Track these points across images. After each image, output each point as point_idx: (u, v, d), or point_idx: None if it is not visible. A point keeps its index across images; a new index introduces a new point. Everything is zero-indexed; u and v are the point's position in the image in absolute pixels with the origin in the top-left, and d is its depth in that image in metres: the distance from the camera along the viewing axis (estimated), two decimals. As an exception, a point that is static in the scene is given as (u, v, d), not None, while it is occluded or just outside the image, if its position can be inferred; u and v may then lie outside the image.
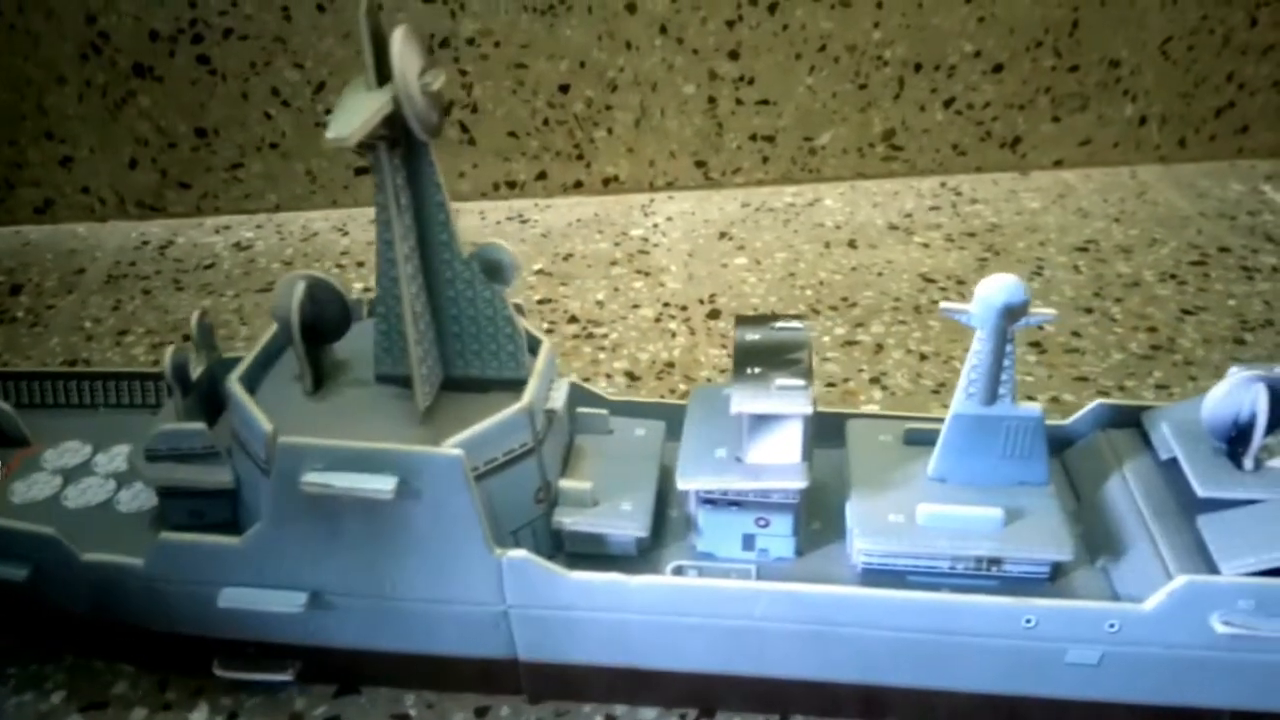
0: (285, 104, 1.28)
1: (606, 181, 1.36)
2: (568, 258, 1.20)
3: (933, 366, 0.98)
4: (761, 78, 1.31)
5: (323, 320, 0.67)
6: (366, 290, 1.07)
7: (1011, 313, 0.59)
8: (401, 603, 0.63)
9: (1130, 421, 0.69)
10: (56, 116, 1.27)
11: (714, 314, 1.08)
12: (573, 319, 1.08)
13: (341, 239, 1.28)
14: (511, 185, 1.35)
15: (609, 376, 0.98)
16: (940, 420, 0.64)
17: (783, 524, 0.63)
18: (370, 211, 0.64)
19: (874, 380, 0.96)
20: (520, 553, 0.61)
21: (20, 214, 1.33)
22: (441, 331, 0.66)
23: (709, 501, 0.63)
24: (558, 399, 0.66)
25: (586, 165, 1.35)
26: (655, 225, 1.28)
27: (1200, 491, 0.61)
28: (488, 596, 0.62)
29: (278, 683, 0.66)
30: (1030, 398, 0.90)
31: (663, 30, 1.28)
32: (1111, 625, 0.58)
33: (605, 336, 1.05)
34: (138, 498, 0.71)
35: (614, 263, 1.19)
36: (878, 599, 0.60)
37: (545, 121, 1.32)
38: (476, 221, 1.30)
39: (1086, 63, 1.33)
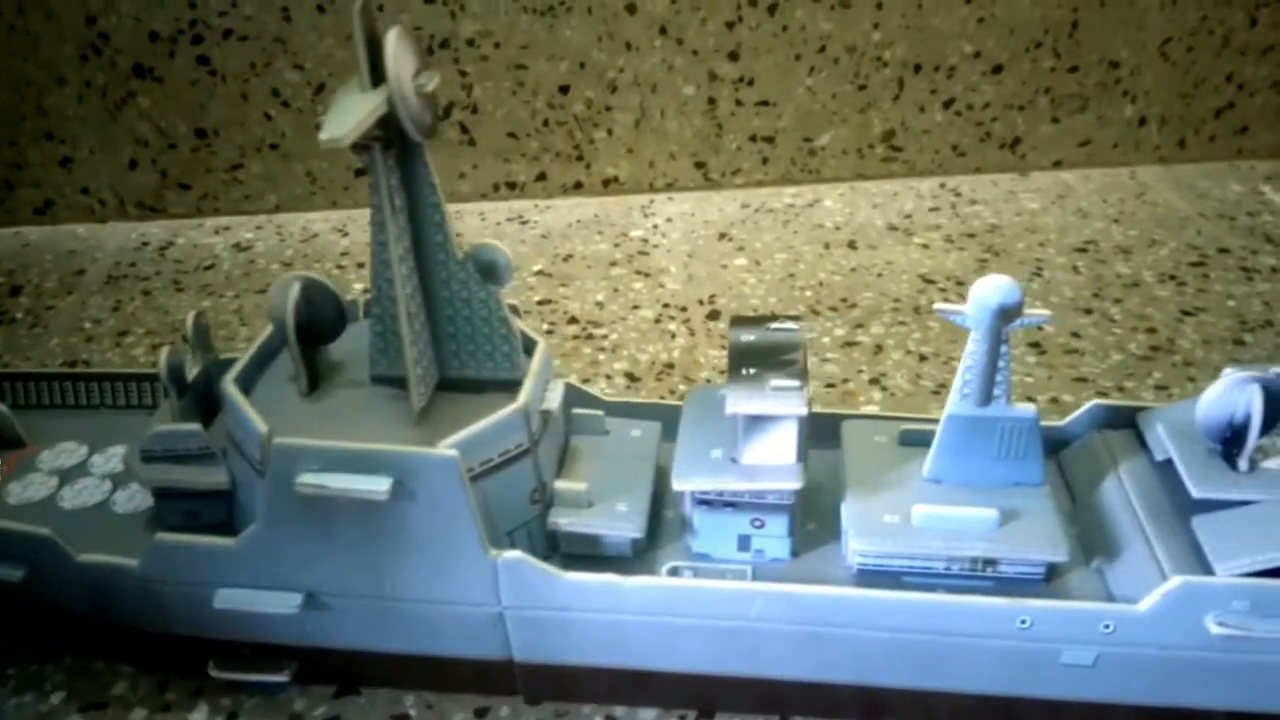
0: (285, 105, 1.28)
1: (606, 182, 1.36)
2: (567, 259, 1.20)
3: (932, 367, 0.97)
4: (761, 79, 1.31)
5: (318, 321, 0.67)
6: (366, 291, 1.07)
7: (1006, 314, 0.59)
8: (397, 604, 0.63)
9: (1126, 422, 0.69)
10: (56, 117, 1.28)
11: (713, 315, 1.08)
12: (572, 320, 1.08)
13: (341, 240, 1.28)
14: (511, 186, 1.35)
15: (608, 377, 0.98)
16: (935, 421, 0.64)
17: (778, 525, 0.63)
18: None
19: (873, 381, 0.96)
20: (515, 554, 0.61)
21: (20, 215, 1.33)
22: (437, 332, 0.66)
23: (704, 502, 0.63)
24: (553, 400, 0.66)
25: (586, 166, 1.35)
26: (655, 226, 1.28)
27: (1195, 492, 0.61)
28: (483, 597, 0.62)
29: (275, 684, 0.66)
30: (1030, 398, 0.90)
31: (662, 31, 1.28)
32: (1106, 626, 0.58)
33: (605, 337, 1.05)
34: (134, 499, 0.71)
35: (614, 264, 1.19)
36: (873, 600, 0.60)
37: (545, 122, 1.32)
38: (476, 222, 1.30)
39: (1086, 63, 1.33)
